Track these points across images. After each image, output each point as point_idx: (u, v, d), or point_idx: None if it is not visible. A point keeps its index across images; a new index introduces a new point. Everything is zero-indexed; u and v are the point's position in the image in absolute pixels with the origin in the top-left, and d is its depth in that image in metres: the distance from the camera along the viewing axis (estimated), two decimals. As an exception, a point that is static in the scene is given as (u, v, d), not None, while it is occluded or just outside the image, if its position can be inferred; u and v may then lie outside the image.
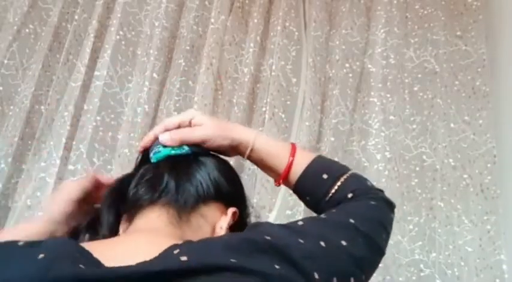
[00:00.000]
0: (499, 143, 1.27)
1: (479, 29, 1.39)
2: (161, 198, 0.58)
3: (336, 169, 0.67)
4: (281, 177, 0.67)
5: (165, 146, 0.64)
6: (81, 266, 0.41)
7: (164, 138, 0.64)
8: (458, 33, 1.41)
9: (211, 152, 0.67)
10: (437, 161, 1.28)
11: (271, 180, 0.68)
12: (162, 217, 0.57)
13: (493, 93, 1.32)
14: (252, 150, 0.67)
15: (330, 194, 0.64)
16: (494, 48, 1.37)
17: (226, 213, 0.61)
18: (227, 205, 0.62)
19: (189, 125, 0.66)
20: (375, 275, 0.57)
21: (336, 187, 0.64)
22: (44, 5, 1.36)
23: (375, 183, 0.67)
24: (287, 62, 1.39)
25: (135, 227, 0.57)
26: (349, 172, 0.66)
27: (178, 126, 0.66)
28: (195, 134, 0.64)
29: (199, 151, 0.65)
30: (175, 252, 0.44)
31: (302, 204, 1.21)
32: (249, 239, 0.47)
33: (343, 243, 0.51)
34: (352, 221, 0.55)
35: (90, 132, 1.20)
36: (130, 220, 0.59)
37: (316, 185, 0.65)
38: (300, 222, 0.54)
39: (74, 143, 1.20)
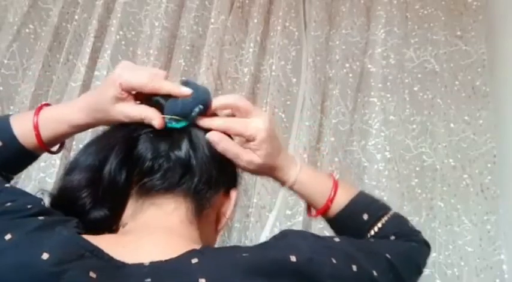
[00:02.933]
0: (499, 143, 1.27)
1: (479, 29, 1.39)
2: (181, 186, 0.51)
3: (377, 209, 0.66)
4: (317, 213, 0.66)
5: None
6: (91, 274, 0.39)
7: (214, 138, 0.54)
8: (458, 33, 1.41)
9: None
10: (437, 161, 1.27)
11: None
12: (179, 211, 0.51)
13: (493, 93, 1.32)
14: (292, 185, 0.64)
15: (371, 234, 0.63)
16: (494, 48, 1.37)
17: (228, 197, 0.57)
18: (229, 186, 0.58)
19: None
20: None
21: (376, 228, 0.63)
22: (44, 5, 1.35)
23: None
24: (287, 62, 1.38)
25: (147, 220, 0.51)
26: (390, 212, 0.65)
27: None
28: (243, 160, 0.57)
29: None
30: (194, 261, 0.42)
31: (302, 204, 1.22)
32: (273, 259, 0.44)
33: (374, 273, 0.50)
34: (388, 256, 0.55)
35: (90, 132, 1.20)
36: (139, 200, 0.52)
37: (355, 224, 0.64)
38: (337, 239, 0.53)
39: (74, 143, 1.19)
